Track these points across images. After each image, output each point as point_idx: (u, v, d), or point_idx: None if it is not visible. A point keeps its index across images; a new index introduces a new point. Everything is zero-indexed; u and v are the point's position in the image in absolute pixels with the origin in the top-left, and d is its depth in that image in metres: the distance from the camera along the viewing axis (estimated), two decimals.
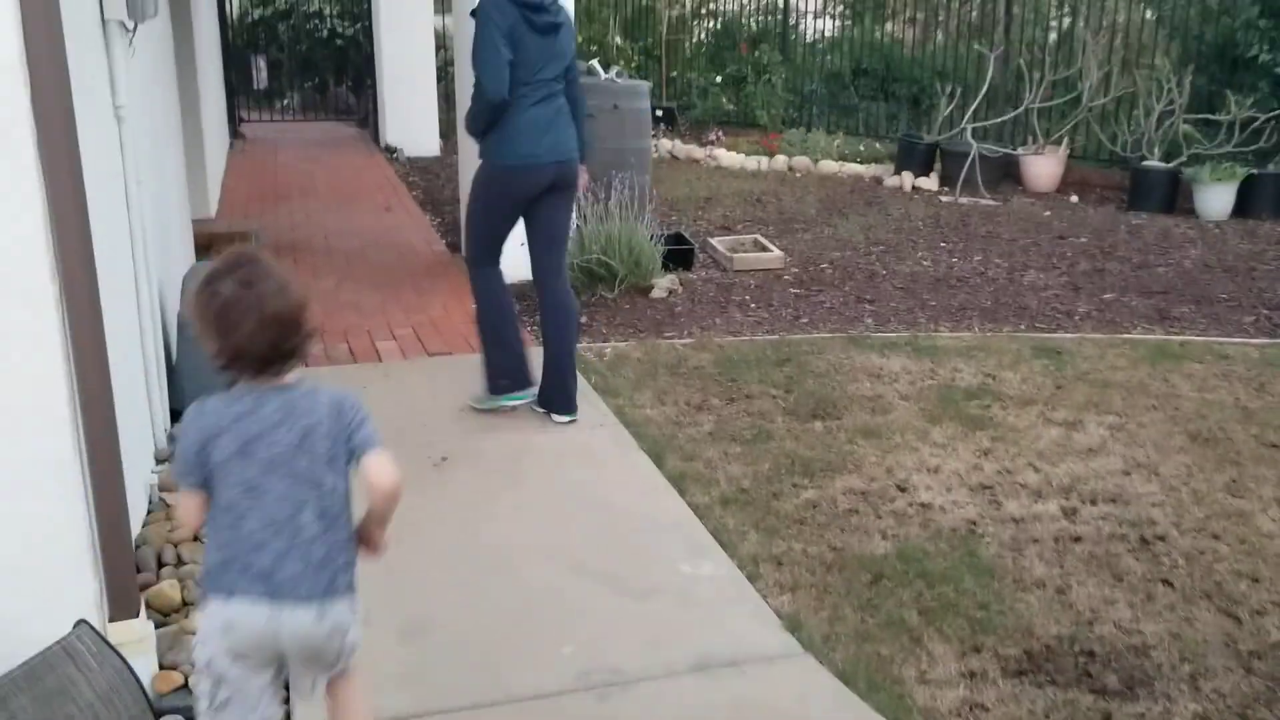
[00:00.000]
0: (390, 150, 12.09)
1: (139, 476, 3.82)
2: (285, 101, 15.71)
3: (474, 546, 3.69)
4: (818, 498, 4.08)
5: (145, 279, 4.20)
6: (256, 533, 2.14)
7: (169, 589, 3.38)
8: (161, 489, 4.06)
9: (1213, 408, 5.03)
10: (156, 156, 4.96)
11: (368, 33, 13.52)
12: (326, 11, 15.49)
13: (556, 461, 4.35)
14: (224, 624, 2.15)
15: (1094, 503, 4.10)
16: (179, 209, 6.11)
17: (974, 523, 3.93)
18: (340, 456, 2.21)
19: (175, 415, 4.62)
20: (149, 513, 3.89)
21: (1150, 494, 4.17)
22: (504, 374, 4.75)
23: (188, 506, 2.23)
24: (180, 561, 3.61)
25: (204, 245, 7.20)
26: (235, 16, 14.93)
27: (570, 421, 4.68)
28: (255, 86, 15.40)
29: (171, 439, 4.45)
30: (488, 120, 4.45)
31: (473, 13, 4.49)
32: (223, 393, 2.23)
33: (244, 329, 2.12)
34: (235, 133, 13.24)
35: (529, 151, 4.46)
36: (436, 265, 7.48)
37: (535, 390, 4.77)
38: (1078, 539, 3.83)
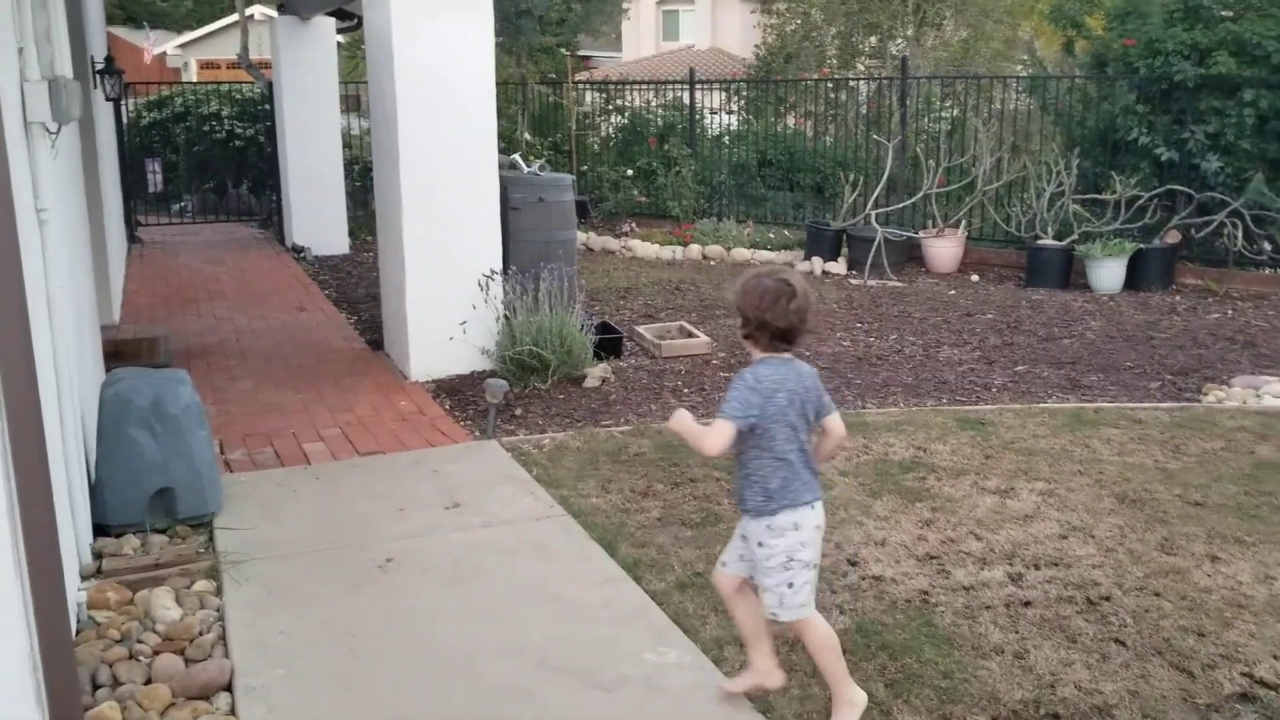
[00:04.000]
0: (297, 250, 11.98)
1: (69, 595, 3.65)
2: (182, 205, 15.48)
3: (432, 649, 3.59)
4: None
5: (67, 390, 4.06)
6: (797, 460, 3.02)
7: (109, 710, 3.22)
8: (90, 606, 3.88)
9: (1135, 470, 5.20)
10: (72, 261, 4.84)
11: (269, 133, 13.48)
12: (224, 113, 15.39)
13: (506, 557, 4.27)
14: (796, 522, 3.04)
15: (1038, 567, 4.18)
16: (89, 316, 5.96)
17: (926, 593, 3.97)
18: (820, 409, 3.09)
19: (99, 530, 4.45)
20: (78, 632, 3.71)
21: (1089, 556, 4.27)
22: None
23: (727, 436, 2.96)
24: (117, 681, 3.44)
25: (109, 353, 6.99)
26: (129, 120, 14.76)
27: None
28: (150, 190, 15.18)
29: (96, 555, 4.27)
30: None
31: None
32: (765, 363, 3.04)
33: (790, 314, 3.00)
34: (132, 237, 13.00)
35: None
36: (358, 363, 7.38)
37: None
38: (1028, 603, 3.89)
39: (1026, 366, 7.29)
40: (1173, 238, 10.15)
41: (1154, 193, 10.17)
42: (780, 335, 3.02)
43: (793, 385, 3.01)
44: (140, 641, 3.67)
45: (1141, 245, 9.95)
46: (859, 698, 3.15)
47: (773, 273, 3.09)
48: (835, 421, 3.11)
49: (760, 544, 3.06)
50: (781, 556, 3.03)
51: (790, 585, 3.04)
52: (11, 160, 3.40)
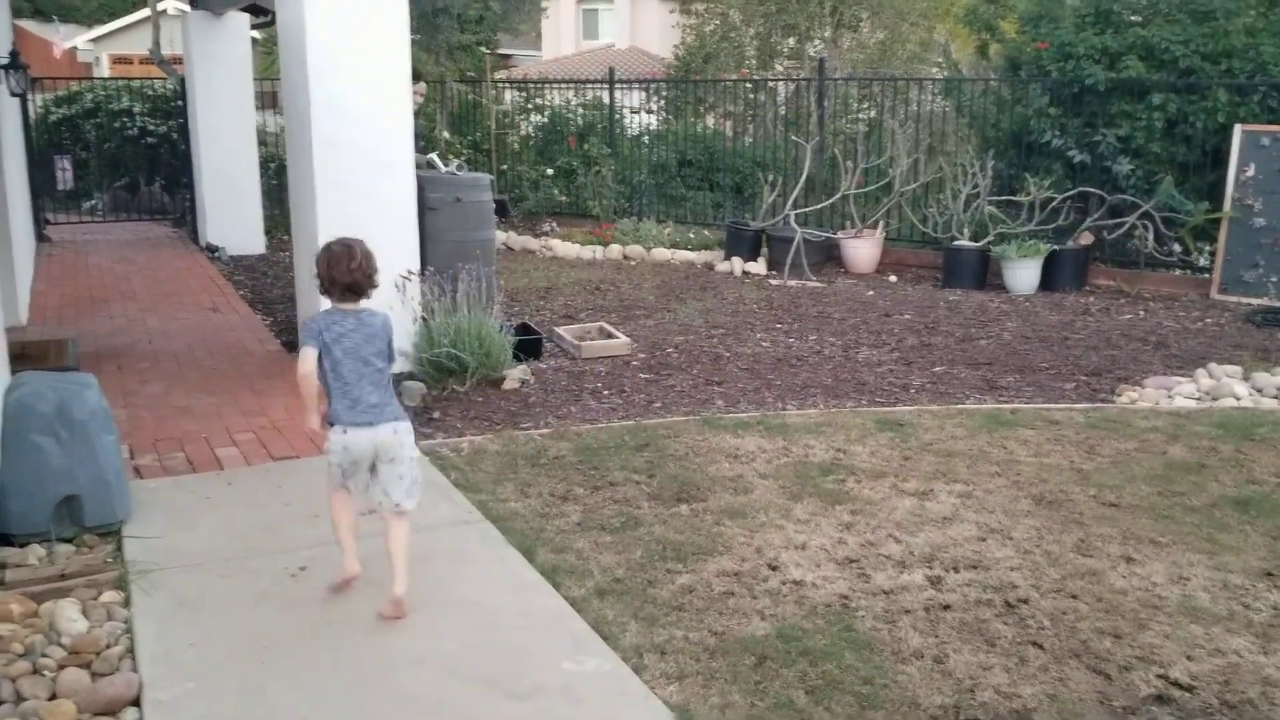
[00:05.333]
0: (211, 249, 11.70)
1: None
2: (93, 202, 15.05)
3: (346, 659, 3.50)
4: (693, 582, 4.06)
5: None
6: (349, 392, 3.77)
7: None
8: None
9: (1050, 471, 5.28)
10: None
11: (183, 130, 13.15)
12: (136, 109, 14.99)
13: (423, 563, 4.18)
14: (345, 444, 3.79)
15: (956, 570, 4.22)
16: None
17: (846, 597, 3.98)
18: (387, 351, 3.85)
19: (2, 540, 4.28)
20: None
21: (1007, 558, 4.32)
22: None
23: (310, 360, 3.74)
24: (20, 697, 3.32)
25: (15, 356, 6.74)
26: (37, 116, 14.30)
27: None
28: (60, 187, 14.75)
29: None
30: None
31: None
32: (328, 312, 3.81)
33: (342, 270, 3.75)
34: (40, 236, 12.62)
35: None
36: (272, 365, 7.21)
37: None
38: (947, 607, 3.92)
39: (944, 367, 7.38)
40: (1086, 239, 10.38)
41: (1067, 195, 10.39)
42: (348, 289, 3.77)
43: (342, 331, 3.77)
44: (45, 655, 3.55)
45: (1055, 247, 10.16)
46: (351, 566, 3.91)
47: (341, 240, 3.82)
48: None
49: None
50: (332, 459, 3.85)
51: (331, 471, 3.89)
52: None
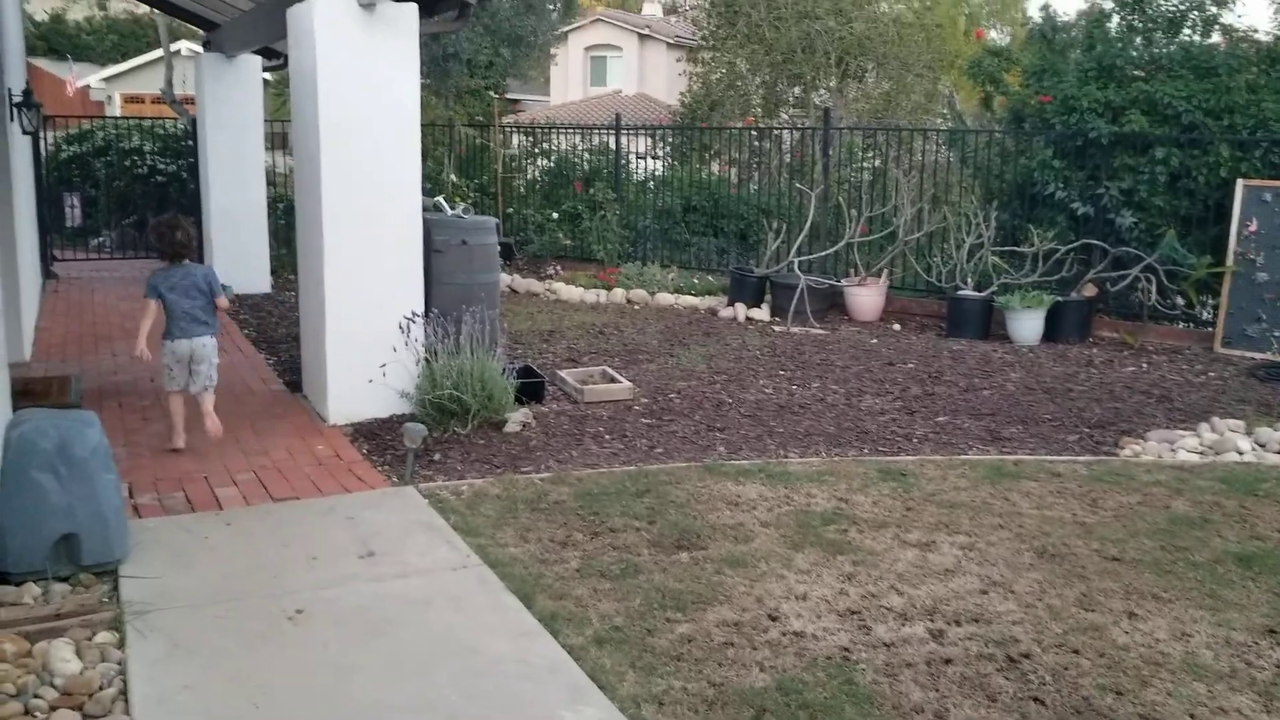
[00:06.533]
0: None
1: None
2: (101, 240, 15.13)
3: (341, 705, 3.47)
4: (692, 631, 4.03)
5: None
6: (179, 318, 6.00)
7: None
8: None
9: (1053, 524, 5.25)
10: None
11: (192, 169, 13.26)
12: (146, 148, 15.11)
13: (420, 608, 4.17)
14: (172, 349, 6.04)
15: (958, 623, 4.18)
16: None
17: (847, 649, 3.94)
18: (206, 292, 6.06)
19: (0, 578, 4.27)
20: None
21: (1009, 612, 4.29)
22: None
23: (154, 308, 5.97)
24: None
25: (18, 392, 6.74)
26: (49, 153, 14.42)
27: None
28: (69, 224, 14.84)
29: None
30: None
31: None
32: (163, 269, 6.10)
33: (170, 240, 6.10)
34: (48, 272, 12.66)
35: None
36: (275, 405, 7.21)
37: None
38: (948, 661, 3.88)
39: (947, 417, 7.36)
40: (1089, 291, 10.39)
41: (1070, 246, 10.42)
42: (172, 253, 6.02)
43: (174, 281, 5.97)
44: (37, 696, 3.52)
45: (1059, 298, 10.17)
46: (178, 442, 6.12)
47: (168, 221, 6.08)
48: (219, 300, 6.11)
49: None
50: (164, 361, 6.07)
51: (165, 377, 6.13)
52: None
